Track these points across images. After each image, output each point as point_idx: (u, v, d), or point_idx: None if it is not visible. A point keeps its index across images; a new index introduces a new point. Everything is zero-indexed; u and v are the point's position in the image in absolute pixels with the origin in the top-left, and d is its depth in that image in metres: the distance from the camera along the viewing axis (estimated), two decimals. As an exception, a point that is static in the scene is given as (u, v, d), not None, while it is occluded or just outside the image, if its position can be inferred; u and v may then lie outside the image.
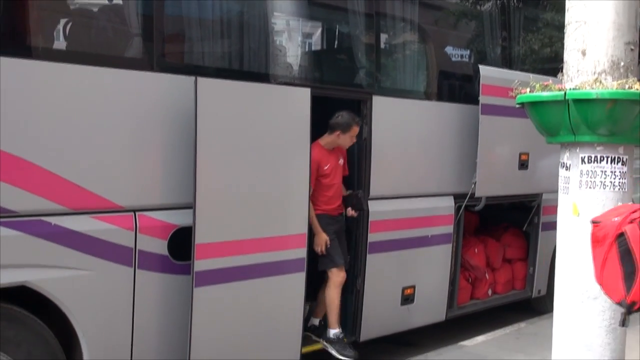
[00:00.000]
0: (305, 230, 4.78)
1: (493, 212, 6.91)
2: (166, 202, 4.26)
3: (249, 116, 4.45)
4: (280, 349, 4.75)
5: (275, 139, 4.60)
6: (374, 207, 5.45)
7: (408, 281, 5.78)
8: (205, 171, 4.20)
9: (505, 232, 7.43)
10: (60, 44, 4.20)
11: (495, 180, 6.28)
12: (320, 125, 5.19)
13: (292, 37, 5.61)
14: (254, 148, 4.50)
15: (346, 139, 5.20)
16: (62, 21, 4.15)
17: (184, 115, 4.20)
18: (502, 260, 7.27)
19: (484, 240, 7.14)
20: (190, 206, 4.18)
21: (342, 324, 5.44)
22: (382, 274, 5.57)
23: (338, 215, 5.33)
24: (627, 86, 3.67)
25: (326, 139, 5.23)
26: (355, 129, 5.19)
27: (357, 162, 5.45)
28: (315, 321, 5.50)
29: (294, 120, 4.69)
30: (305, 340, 5.09)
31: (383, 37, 5.86)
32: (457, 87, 6.47)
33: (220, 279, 4.35)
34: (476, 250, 6.90)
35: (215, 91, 4.25)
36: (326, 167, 5.17)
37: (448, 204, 6.08)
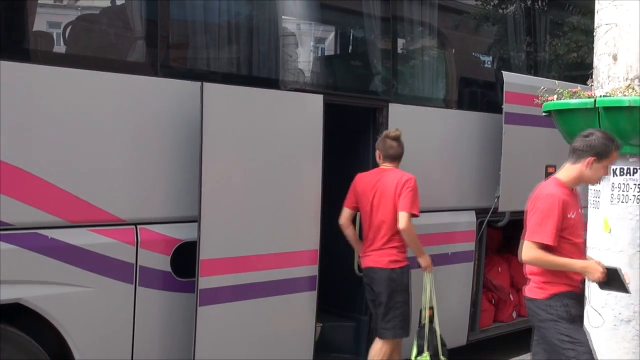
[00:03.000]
0: (317, 246, 4.78)
1: (518, 229, 6.85)
2: (169, 215, 4.27)
3: (258, 124, 4.47)
4: (290, 373, 4.75)
5: (286, 149, 4.63)
6: None
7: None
8: (211, 182, 4.21)
9: (531, 249, 7.37)
10: (59, 47, 4.25)
11: (519, 194, 6.07)
12: (334, 134, 5.21)
13: (303, 41, 5.61)
14: (263, 158, 4.51)
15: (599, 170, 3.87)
16: (62, 24, 4.20)
17: (189, 122, 4.23)
18: (528, 281, 7.21)
19: (508, 258, 7.07)
20: (195, 219, 4.19)
21: (355, 347, 5.41)
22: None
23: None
24: (662, 93, 3.63)
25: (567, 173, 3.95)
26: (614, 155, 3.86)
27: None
28: None
29: (305, 129, 4.71)
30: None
31: (400, 41, 5.88)
32: (479, 95, 6.46)
33: (226, 297, 4.36)
34: (500, 269, 6.85)
35: (222, 97, 4.27)
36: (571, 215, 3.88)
37: (469, 219, 6.06)
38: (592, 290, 3.89)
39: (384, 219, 4.85)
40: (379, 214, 4.87)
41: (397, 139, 4.97)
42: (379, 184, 4.92)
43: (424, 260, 4.93)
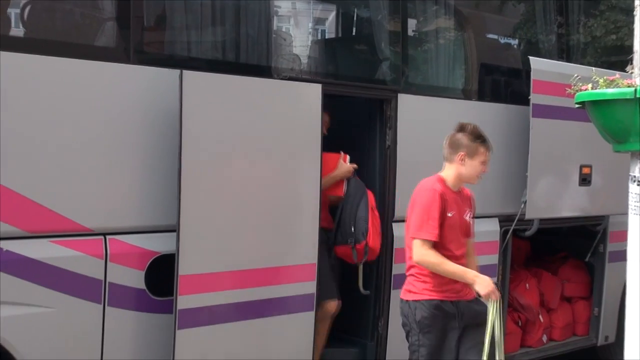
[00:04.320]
0: (315, 259, 4.80)
1: (548, 239, 6.84)
2: (144, 223, 4.28)
3: (246, 118, 4.48)
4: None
5: (279, 146, 4.65)
6: (399, 231, 5.25)
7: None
8: (192, 185, 4.21)
9: (563, 263, 7.36)
10: (17, 30, 4.22)
11: (550, 199, 6.24)
12: (334, 130, 5.20)
13: (299, 22, 5.64)
14: (253, 157, 4.54)
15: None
16: (21, 3, 4.18)
17: (166, 116, 4.24)
18: (560, 299, 7.20)
19: (537, 273, 7.08)
20: (174, 228, 4.19)
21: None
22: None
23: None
24: None
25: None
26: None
27: (380, 175, 5.48)
28: None
29: (301, 124, 4.73)
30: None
31: (411, 22, 5.87)
32: (503, 84, 6.48)
33: (210, 319, 4.36)
34: (527, 285, 6.85)
35: (204, 87, 4.27)
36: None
37: (491, 227, 6.07)
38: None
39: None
40: None
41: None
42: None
43: (477, 286, 4.31)
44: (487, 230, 6.04)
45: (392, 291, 5.43)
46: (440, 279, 4.30)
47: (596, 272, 7.09)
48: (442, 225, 4.29)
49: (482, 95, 6.17)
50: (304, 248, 4.79)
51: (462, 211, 4.47)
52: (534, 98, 5.90)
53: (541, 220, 6.21)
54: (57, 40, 4.14)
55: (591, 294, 7.19)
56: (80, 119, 4.06)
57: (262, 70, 4.82)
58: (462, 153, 4.36)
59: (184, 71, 4.15)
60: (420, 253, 4.23)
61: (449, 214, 4.33)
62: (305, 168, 4.77)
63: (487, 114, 6.07)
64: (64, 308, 3.94)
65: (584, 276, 7.29)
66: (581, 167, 6.42)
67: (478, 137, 4.40)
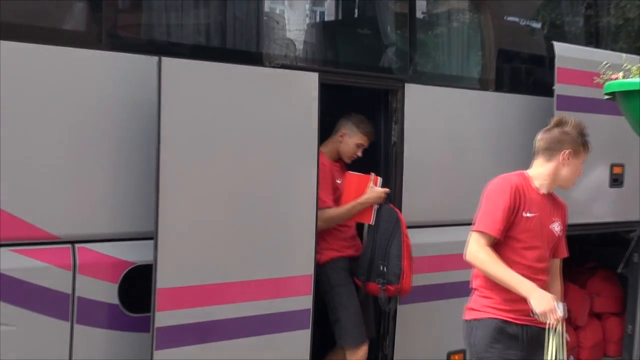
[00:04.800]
0: (311, 269, 4.80)
1: (575, 248, 6.82)
2: (117, 230, 4.29)
3: (233, 111, 4.49)
4: None
5: (270, 142, 4.65)
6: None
7: (456, 344, 5.65)
8: (173, 185, 4.21)
9: (592, 275, 7.38)
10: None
11: (576, 202, 6.12)
12: (334, 124, 5.24)
13: (294, 4, 5.65)
14: (240, 154, 4.54)
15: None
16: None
17: (142, 109, 4.24)
18: (589, 315, 7.21)
19: (564, 286, 7.05)
20: (151, 235, 4.17)
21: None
22: (419, 334, 5.60)
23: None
24: None
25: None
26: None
27: (384, 175, 5.43)
28: None
29: (296, 117, 4.74)
30: None
31: (420, 3, 5.87)
32: (524, 73, 6.49)
33: (192, 338, 4.34)
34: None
35: (186, 76, 4.27)
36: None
37: None
38: None
39: None
40: None
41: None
42: None
43: (533, 301, 3.88)
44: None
45: (397, 306, 5.44)
46: (506, 294, 3.97)
47: (630, 285, 7.07)
48: (513, 225, 4.00)
49: (501, 85, 6.18)
50: (299, 257, 4.78)
51: (550, 219, 4.16)
52: (559, 88, 5.90)
53: (569, 226, 6.16)
54: (17, 23, 4.09)
55: (624, 309, 7.19)
56: (45, 112, 4.06)
57: (252, 57, 4.83)
58: (569, 151, 4.14)
59: (163, 58, 4.14)
60: (472, 248, 3.96)
61: (526, 214, 4.03)
62: (300, 167, 4.78)
63: (505, 107, 6.06)
64: (26, 326, 3.92)
65: (615, 290, 7.29)
66: (612, 166, 6.44)
67: (584, 134, 4.21)
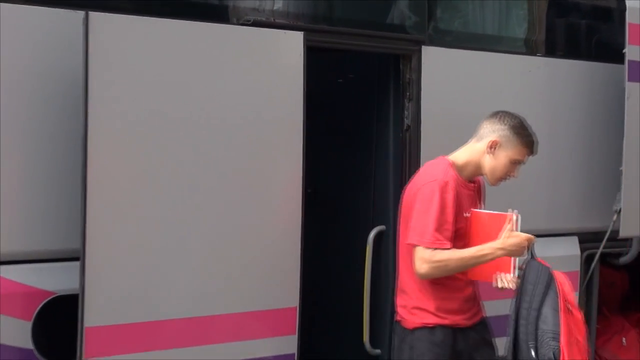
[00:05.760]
0: (296, 300, 4.80)
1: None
2: (31, 248, 4.25)
3: (190, 84, 4.50)
4: None
5: (241, 123, 4.66)
6: None
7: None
8: (105, 185, 4.20)
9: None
10: None
11: None
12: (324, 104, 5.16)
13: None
14: (199, 143, 4.54)
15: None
16: None
17: (64, 79, 4.23)
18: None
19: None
20: (77, 255, 4.14)
21: None
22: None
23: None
24: None
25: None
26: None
27: (394, 172, 5.49)
28: None
29: (277, 90, 4.75)
30: None
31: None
32: (583, 31, 6.53)
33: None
34: (624, 340, 6.78)
35: (122, 36, 4.26)
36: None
37: (568, 250, 6.06)
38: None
39: None
40: None
41: None
42: None
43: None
44: (562, 254, 5.98)
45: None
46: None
47: None
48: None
49: (552, 47, 6.23)
50: (280, 284, 4.78)
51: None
52: (631, 52, 5.90)
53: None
54: None
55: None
56: None
57: (215, 11, 4.87)
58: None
59: (91, 13, 4.11)
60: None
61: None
62: (281, 155, 4.80)
63: (558, 76, 6.04)
64: None
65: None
66: None
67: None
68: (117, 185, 4.24)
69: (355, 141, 5.55)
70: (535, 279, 4.63)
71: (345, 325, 5.46)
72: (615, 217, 5.94)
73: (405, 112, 5.37)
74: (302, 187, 4.82)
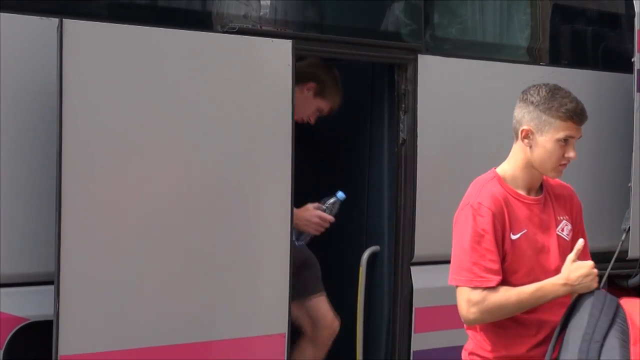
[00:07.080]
0: (285, 326, 4.78)
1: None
2: (2, 270, 4.17)
3: (172, 93, 4.51)
4: None
5: (226, 133, 4.67)
6: (421, 280, 5.50)
7: None
8: (81, 201, 4.18)
9: None
10: None
11: None
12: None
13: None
14: (181, 155, 4.56)
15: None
16: None
17: (39, 88, 4.23)
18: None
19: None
20: (51, 279, 4.11)
21: None
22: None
23: None
24: None
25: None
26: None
27: (389, 189, 5.48)
28: None
29: (264, 99, 4.76)
30: None
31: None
32: (589, 39, 6.52)
33: None
34: None
35: (99, 44, 4.27)
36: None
37: None
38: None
39: None
40: None
41: None
42: None
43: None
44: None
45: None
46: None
47: None
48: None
49: (557, 56, 6.26)
50: (268, 308, 4.77)
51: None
52: None
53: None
54: None
55: None
56: None
57: (198, 18, 4.91)
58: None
59: (66, 20, 4.13)
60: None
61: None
62: (269, 167, 4.81)
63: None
64: None
65: None
66: None
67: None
68: (93, 203, 4.25)
69: (347, 157, 5.54)
70: (599, 312, 4.21)
71: (337, 350, 5.38)
72: (623, 236, 5.89)
73: (401, 126, 5.34)
74: (291, 204, 4.81)
